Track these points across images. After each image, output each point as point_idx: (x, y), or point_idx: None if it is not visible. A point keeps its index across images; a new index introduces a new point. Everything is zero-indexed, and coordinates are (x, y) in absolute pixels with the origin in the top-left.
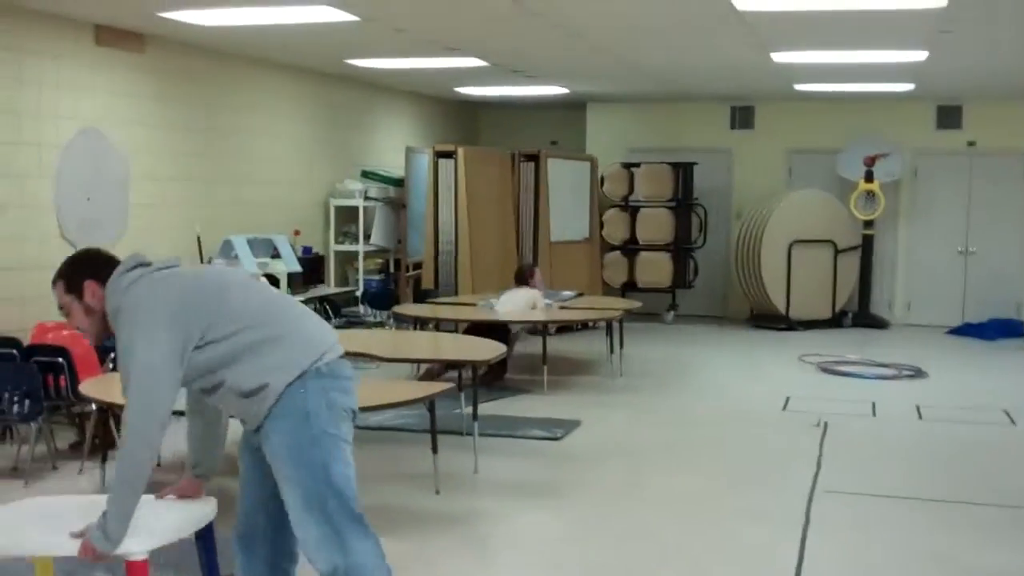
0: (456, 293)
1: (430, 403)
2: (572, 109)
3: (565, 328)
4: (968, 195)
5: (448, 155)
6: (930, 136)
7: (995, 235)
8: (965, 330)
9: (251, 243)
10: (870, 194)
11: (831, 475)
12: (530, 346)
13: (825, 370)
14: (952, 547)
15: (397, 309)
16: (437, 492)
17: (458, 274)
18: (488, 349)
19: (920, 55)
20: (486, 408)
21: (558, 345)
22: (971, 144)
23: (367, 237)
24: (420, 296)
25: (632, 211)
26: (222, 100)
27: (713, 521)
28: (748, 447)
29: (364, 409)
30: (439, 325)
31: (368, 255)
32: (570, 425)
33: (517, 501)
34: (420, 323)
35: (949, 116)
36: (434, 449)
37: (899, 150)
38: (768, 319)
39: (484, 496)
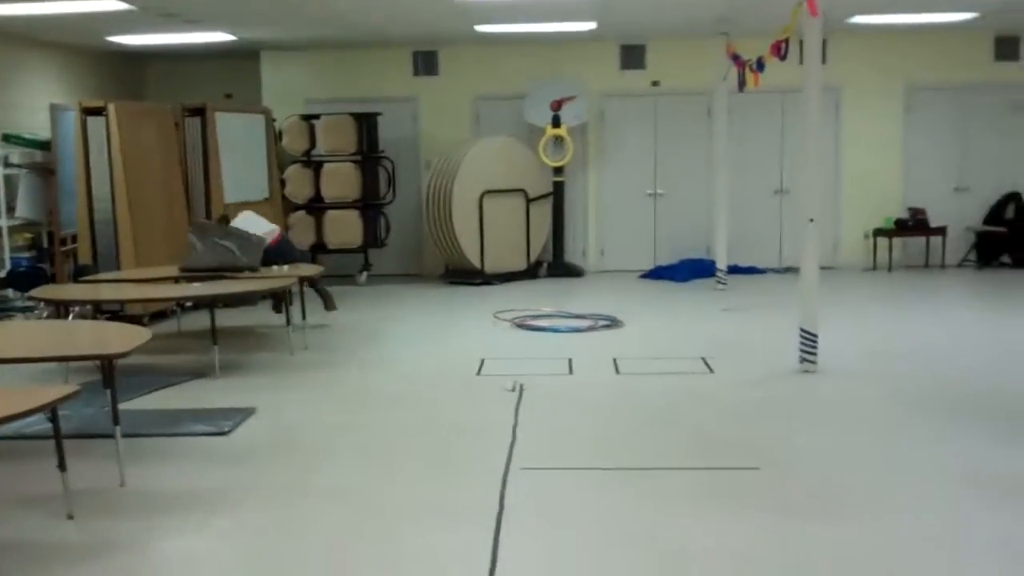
0: (119, 267)
1: (51, 412)
2: (247, 59)
3: (243, 299)
4: (654, 136)
5: (98, 112)
6: (615, 77)
7: (682, 176)
8: (657, 273)
9: None
10: (558, 139)
11: (527, 448)
12: (199, 321)
13: (520, 326)
14: (658, 525)
15: (35, 292)
16: (70, 517)
17: (119, 246)
18: (125, 339)
19: None
20: (144, 401)
21: (235, 319)
22: (655, 84)
23: (11, 209)
24: (76, 273)
25: (315, 166)
26: None
27: (395, 521)
28: (438, 423)
29: None
30: (100, 308)
31: (15, 230)
32: (241, 415)
33: (169, 518)
34: (64, 307)
35: (632, 56)
36: (61, 466)
37: (584, 93)
38: (463, 274)
39: (130, 516)
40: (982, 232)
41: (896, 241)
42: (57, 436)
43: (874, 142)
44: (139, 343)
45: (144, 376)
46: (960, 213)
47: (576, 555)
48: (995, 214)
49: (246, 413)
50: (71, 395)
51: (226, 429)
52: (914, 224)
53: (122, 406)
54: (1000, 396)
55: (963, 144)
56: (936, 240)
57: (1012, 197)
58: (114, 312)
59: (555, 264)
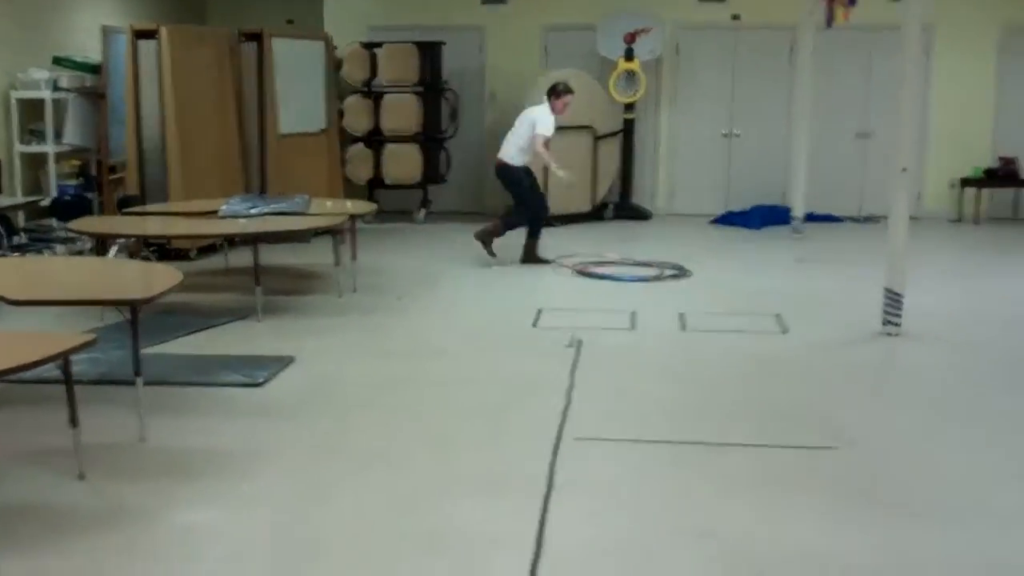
0: (167, 198)
1: (63, 362)
2: None
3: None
4: (732, 73)
5: (149, 35)
6: (693, 10)
7: (760, 116)
8: (729, 218)
9: None
10: (631, 74)
11: (582, 415)
12: (249, 256)
13: (582, 273)
14: (720, 512)
15: (75, 224)
16: (81, 477)
17: (169, 176)
18: (154, 281)
19: None
20: (179, 344)
21: (282, 256)
22: (735, 18)
23: (59, 135)
24: (120, 204)
25: (375, 97)
26: None
27: (433, 492)
28: (488, 380)
29: None
30: (146, 241)
31: (62, 157)
32: (279, 363)
33: (187, 483)
34: (104, 241)
35: None
36: (73, 421)
37: (661, 25)
38: None
39: (145, 477)
40: None
41: (984, 192)
42: (69, 389)
43: (965, 86)
44: (166, 288)
45: (183, 316)
46: None
47: (626, 544)
48: None
49: (284, 362)
50: (85, 344)
51: (260, 380)
52: (1004, 174)
53: (154, 349)
54: None
55: None
56: None
57: None
58: (160, 245)
59: (622, 206)
